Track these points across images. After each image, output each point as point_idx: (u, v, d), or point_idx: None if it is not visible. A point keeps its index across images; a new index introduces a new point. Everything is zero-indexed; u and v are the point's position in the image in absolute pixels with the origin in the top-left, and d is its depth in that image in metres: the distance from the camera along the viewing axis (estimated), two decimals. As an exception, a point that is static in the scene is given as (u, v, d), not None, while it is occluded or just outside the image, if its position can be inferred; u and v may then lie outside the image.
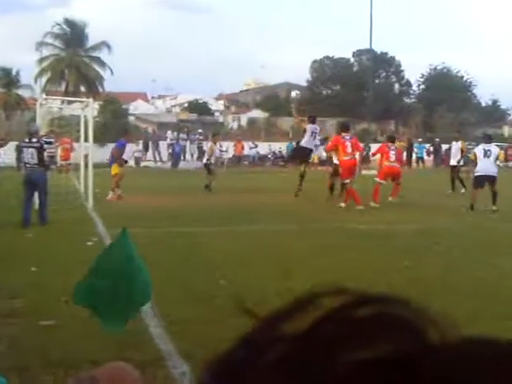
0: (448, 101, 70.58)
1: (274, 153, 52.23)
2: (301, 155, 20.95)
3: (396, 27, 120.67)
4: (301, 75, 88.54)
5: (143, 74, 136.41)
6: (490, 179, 17.36)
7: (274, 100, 77.28)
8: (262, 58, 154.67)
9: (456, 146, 25.57)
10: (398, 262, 9.53)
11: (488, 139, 18.85)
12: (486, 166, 17.60)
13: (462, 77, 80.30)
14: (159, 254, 9.45)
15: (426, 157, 50.23)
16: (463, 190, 22.18)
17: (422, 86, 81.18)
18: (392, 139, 20.58)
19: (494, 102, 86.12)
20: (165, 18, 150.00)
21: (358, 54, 77.81)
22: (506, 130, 74.88)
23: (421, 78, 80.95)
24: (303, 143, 20.88)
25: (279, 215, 15.54)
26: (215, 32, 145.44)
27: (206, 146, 51.36)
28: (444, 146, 51.82)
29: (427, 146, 51.45)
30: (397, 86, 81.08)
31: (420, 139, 52.07)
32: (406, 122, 75.61)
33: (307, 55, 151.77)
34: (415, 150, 49.85)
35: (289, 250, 10.71)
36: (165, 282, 7.22)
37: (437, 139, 52.77)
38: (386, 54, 77.63)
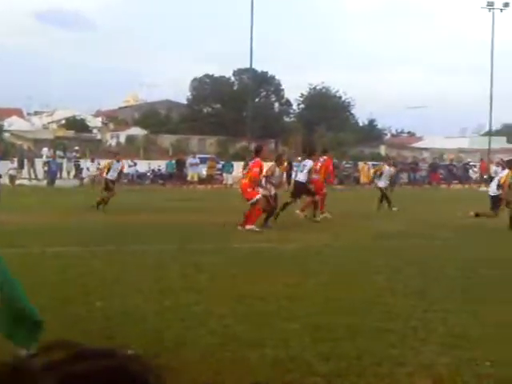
0: (327, 120, 72.14)
1: (153, 171, 51.62)
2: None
3: (276, 47, 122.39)
4: (181, 93, 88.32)
5: (18, 89, 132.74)
6: None
7: (153, 117, 76.74)
8: (141, 75, 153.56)
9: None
10: (282, 278, 9.41)
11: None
12: None
13: (341, 97, 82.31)
14: (34, 275, 8.96)
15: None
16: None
17: (302, 106, 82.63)
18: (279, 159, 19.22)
19: (371, 121, 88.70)
20: (41, 33, 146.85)
21: (238, 72, 78.36)
22: (382, 150, 76.99)
23: (300, 97, 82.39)
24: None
25: (158, 234, 15.22)
26: (93, 48, 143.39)
27: (84, 163, 50.40)
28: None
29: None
30: (277, 105, 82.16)
31: (299, 158, 52.73)
32: (286, 141, 76.60)
33: (188, 73, 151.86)
34: (295, 168, 50.43)
35: (167, 270, 10.42)
36: (40, 304, 6.79)
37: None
38: (266, 73, 78.53)
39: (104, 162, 26.21)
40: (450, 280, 9.69)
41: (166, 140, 64.12)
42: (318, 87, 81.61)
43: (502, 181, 18.61)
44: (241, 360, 5.53)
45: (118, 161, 24.70)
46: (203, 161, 47.07)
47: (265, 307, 7.61)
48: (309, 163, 19.64)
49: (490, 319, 7.11)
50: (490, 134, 65.85)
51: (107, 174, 23.80)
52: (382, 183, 24.02)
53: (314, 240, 14.47)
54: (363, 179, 49.48)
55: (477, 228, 17.12)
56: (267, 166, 17.86)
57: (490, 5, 58.91)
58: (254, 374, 5.17)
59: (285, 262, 11.46)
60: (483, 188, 48.43)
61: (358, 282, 9.42)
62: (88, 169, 50.02)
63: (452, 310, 7.55)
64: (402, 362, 5.49)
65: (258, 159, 17.40)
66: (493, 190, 18.76)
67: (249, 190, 16.90)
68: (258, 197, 16.63)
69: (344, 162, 56.67)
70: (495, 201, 18.46)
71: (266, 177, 17.60)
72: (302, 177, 19.87)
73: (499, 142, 78.80)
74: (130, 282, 9.28)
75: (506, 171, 18.71)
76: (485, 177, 52.20)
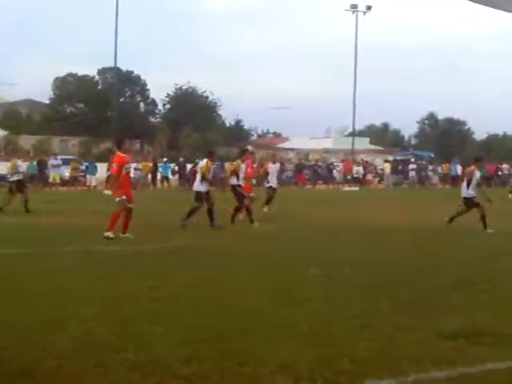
0: (193, 120, 72.19)
1: (13, 172, 49.95)
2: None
3: (142, 46, 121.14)
4: (44, 92, 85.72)
5: None
6: None
7: (14, 117, 74.32)
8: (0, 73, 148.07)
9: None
10: (145, 281, 9.30)
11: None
12: None
13: (208, 97, 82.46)
14: None
15: (171, 176, 50.59)
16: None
17: (168, 106, 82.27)
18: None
19: (238, 122, 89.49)
20: None
21: (102, 71, 77.10)
22: (249, 150, 77.55)
23: (166, 97, 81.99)
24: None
25: (17, 237, 14.77)
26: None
27: None
28: (188, 166, 52.72)
29: (172, 165, 51.89)
30: (142, 105, 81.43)
31: (165, 159, 52.45)
32: (151, 141, 76.01)
33: (50, 72, 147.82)
34: (160, 169, 50.06)
35: (21, 273, 10.09)
36: None
37: (181, 158, 53.44)
38: (131, 72, 77.65)
39: None
40: (313, 279, 9.87)
41: (28, 141, 62.28)
42: (184, 87, 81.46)
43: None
44: (101, 365, 5.41)
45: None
46: (66, 162, 45.83)
47: (128, 310, 7.50)
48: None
49: (350, 317, 7.29)
50: (353, 134, 67.82)
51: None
52: (273, 182, 23.33)
53: (175, 241, 14.37)
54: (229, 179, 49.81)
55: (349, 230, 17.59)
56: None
57: (354, 7, 60.84)
58: (114, 378, 5.08)
59: (146, 263, 11.34)
60: (347, 188, 49.97)
61: (220, 283, 9.43)
62: None
63: (314, 308, 7.68)
64: (264, 361, 5.52)
65: (118, 153, 15.70)
66: (464, 191, 18.21)
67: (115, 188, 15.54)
68: (118, 199, 15.17)
69: (213, 165, 56.90)
70: (469, 202, 17.98)
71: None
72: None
73: (363, 143, 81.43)
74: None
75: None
76: (348, 177, 53.78)
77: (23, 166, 23.80)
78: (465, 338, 6.36)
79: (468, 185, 17.88)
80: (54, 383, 4.99)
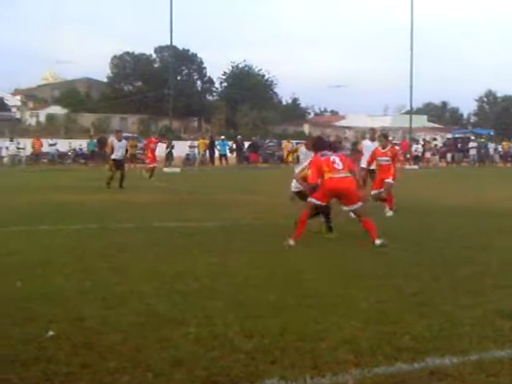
0: (250, 99, 72.15)
1: (74, 150, 50.78)
2: None
3: (197, 24, 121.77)
4: (101, 71, 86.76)
5: None
6: None
7: (73, 96, 75.36)
8: (58, 52, 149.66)
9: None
10: (205, 258, 9.40)
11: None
12: None
13: (264, 75, 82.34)
14: None
15: (229, 154, 50.80)
16: None
17: (225, 84, 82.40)
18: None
19: (294, 100, 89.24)
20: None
21: (159, 50, 77.58)
22: (306, 128, 77.50)
23: (223, 75, 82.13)
24: None
25: (79, 214, 15.02)
26: (6, 24, 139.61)
27: (3, 143, 49.23)
28: (246, 144, 52.87)
29: (230, 143, 52.10)
30: (199, 83, 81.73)
31: (223, 137, 52.65)
32: (208, 120, 76.30)
33: (107, 50, 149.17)
34: (218, 147, 50.27)
35: (87, 249, 10.31)
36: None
37: (239, 136, 53.59)
38: (187, 51, 77.98)
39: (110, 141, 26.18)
40: (372, 256, 9.85)
41: (87, 119, 63.17)
42: (240, 65, 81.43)
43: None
44: (164, 338, 5.50)
45: (119, 140, 25.02)
46: (126, 139, 46.25)
47: (187, 286, 7.59)
48: None
49: (409, 294, 7.26)
50: (411, 112, 67.02)
51: (112, 154, 24.45)
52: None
53: (236, 219, 14.50)
54: (287, 158, 49.76)
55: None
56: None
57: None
58: (178, 352, 5.16)
59: (206, 240, 11.44)
60: (406, 166, 49.36)
61: (280, 262, 9.46)
62: (7, 148, 48.96)
63: (373, 285, 7.67)
64: (324, 338, 5.55)
65: None
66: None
67: None
68: None
69: (267, 141, 56.89)
70: None
71: None
72: None
73: (421, 121, 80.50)
74: (50, 262, 9.12)
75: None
76: (407, 156, 53.17)
77: (122, 145, 25.04)
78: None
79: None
80: (118, 356, 5.07)
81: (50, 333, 5.61)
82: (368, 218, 11.11)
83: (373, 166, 17.18)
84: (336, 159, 11.15)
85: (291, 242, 10.68)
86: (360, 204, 11.20)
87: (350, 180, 11.16)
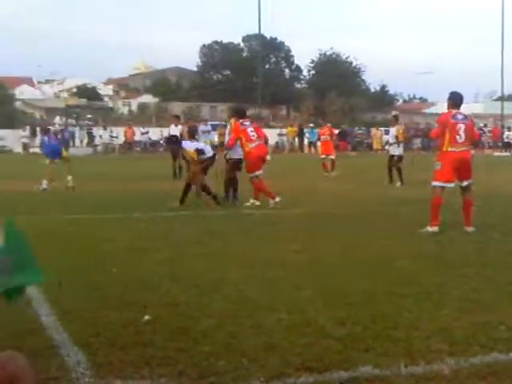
0: (338, 86, 71.63)
1: (166, 138, 51.55)
2: None
3: (285, 12, 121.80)
4: (191, 60, 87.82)
5: (27, 58, 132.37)
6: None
7: (164, 84, 76.48)
8: (149, 41, 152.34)
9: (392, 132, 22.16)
10: (288, 247, 9.45)
11: None
12: None
13: (351, 62, 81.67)
14: (47, 242, 9.04)
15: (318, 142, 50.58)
16: (398, 184, 20.72)
17: (312, 72, 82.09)
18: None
19: (383, 87, 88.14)
20: (47, 2, 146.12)
21: (247, 39, 77.84)
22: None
23: (311, 63, 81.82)
24: None
25: (173, 201, 15.27)
26: (98, 14, 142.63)
27: (96, 131, 50.45)
28: (335, 131, 52.52)
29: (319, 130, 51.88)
30: (287, 71, 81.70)
31: (311, 124, 52.51)
32: (297, 107, 76.20)
33: (196, 39, 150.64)
34: (307, 135, 50.19)
35: (179, 236, 10.53)
36: (62, 271, 6.86)
37: (328, 124, 53.29)
38: (275, 39, 78.01)
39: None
40: (464, 245, 9.70)
41: (178, 107, 63.92)
42: (327, 53, 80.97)
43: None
44: (257, 325, 5.57)
45: (176, 125, 26.34)
46: (215, 128, 46.72)
47: (276, 273, 7.65)
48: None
49: (502, 283, 7.13)
50: (502, 99, 65.29)
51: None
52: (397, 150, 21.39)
53: (319, 207, 14.53)
54: (375, 145, 49.27)
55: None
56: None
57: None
58: (271, 338, 5.22)
59: (291, 228, 11.51)
60: (497, 153, 48.20)
61: (367, 247, 9.45)
62: (101, 136, 50.09)
63: (465, 274, 7.56)
64: (418, 326, 5.51)
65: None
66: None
67: None
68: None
69: (356, 129, 56.45)
70: None
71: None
72: None
73: (512, 108, 78.30)
74: (144, 248, 9.33)
75: None
76: (498, 143, 51.94)
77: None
78: None
79: None
80: (212, 341, 5.15)
81: (146, 317, 5.75)
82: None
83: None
84: None
85: (430, 228, 10.80)
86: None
87: None
